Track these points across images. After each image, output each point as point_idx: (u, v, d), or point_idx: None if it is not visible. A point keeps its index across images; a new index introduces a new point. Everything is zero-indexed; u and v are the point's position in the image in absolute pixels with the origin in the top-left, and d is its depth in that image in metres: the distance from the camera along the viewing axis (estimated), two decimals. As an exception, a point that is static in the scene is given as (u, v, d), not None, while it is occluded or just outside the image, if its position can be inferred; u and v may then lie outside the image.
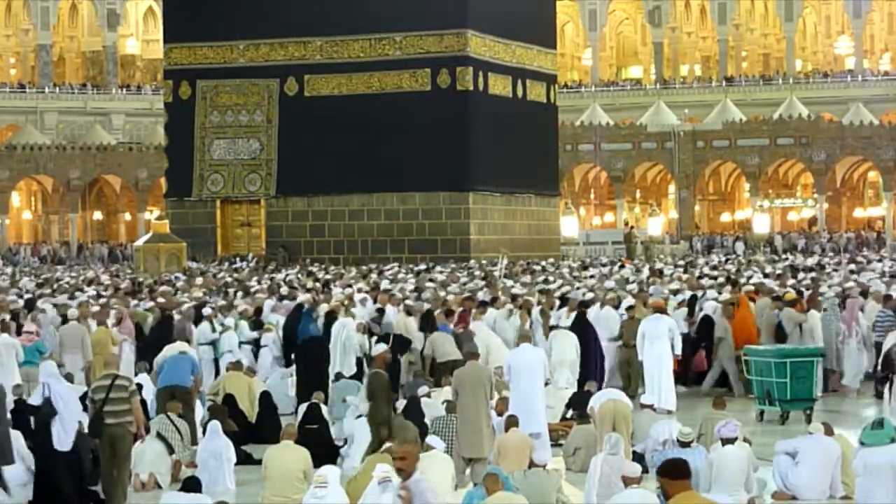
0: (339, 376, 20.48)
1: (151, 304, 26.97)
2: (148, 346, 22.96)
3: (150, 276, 41.89)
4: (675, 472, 9.00)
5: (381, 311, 24.52)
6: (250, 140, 54.79)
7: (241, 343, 23.85)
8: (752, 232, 73.82)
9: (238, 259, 52.67)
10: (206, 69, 55.32)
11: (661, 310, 21.15)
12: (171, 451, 16.57)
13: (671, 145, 78.32)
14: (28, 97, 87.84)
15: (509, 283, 32.97)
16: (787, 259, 49.55)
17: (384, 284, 32.04)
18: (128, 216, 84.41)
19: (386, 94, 53.47)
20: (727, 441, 14.51)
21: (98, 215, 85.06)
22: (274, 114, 54.55)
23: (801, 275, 33.99)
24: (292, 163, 53.66)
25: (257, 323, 24.80)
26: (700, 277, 32.23)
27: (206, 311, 24.23)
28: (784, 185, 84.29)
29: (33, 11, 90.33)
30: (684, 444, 14.83)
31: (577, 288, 29.44)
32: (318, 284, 33.96)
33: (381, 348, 17.86)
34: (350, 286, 31.71)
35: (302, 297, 27.31)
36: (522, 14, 56.50)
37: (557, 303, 25.35)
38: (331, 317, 22.96)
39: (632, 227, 69.31)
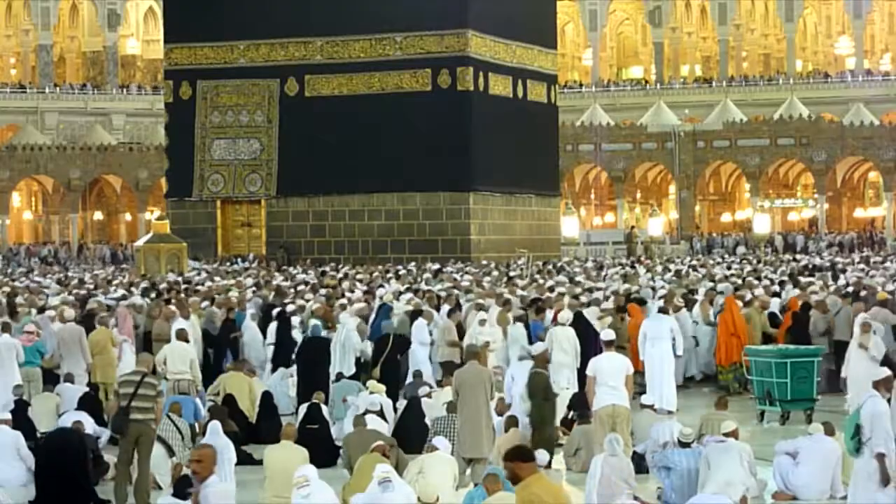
0: (339, 376, 20.49)
1: (206, 303, 26.57)
2: (220, 346, 23.07)
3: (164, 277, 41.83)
4: (523, 456, 9.07)
5: (457, 310, 24.40)
6: (251, 140, 54.79)
7: None
8: (753, 232, 73.85)
9: (239, 259, 52.68)
10: (207, 69, 55.32)
11: (664, 310, 21.16)
12: (171, 453, 16.55)
13: (671, 145, 78.31)
14: (28, 97, 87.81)
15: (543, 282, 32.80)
16: (798, 260, 49.38)
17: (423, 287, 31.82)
18: (128, 216, 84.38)
19: (386, 95, 53.47)
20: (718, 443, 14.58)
21: (98, 215, 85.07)
22: (274, 114, 54.54)
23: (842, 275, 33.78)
24: (293, 163, 53.65)
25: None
26: (728, 277, 32.25)
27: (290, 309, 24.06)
28: (784, 185, 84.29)
29: (34, 12, 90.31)
30: (684, 445, 14.81)
31: (641, 288, 29.35)
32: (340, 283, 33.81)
33: (540, 347, 17.50)
34: (383, 286, 31.63)
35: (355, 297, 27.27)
36: (523, 14, 56.50)
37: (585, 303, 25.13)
38: (415, 315, 23.10)
39: (633, 227, 69.34)
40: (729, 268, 39.31)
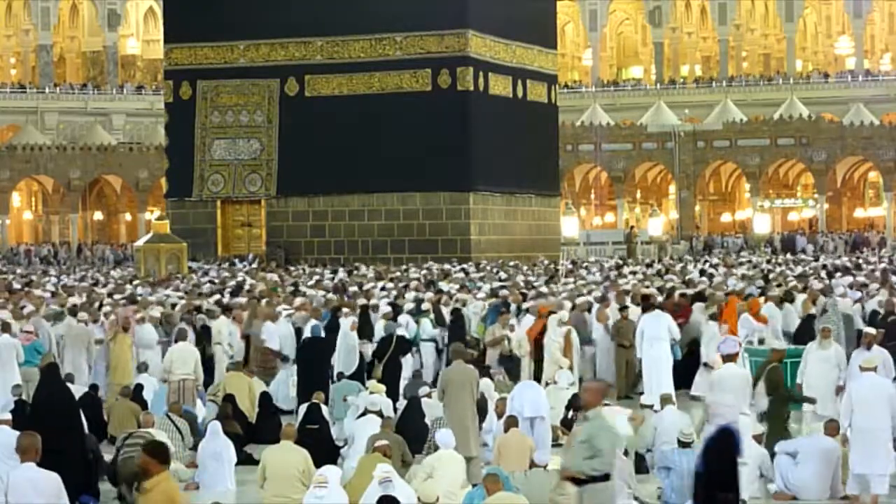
0: (339, 376, 20.49)
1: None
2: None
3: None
4: (162, 455, 9.16)
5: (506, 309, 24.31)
6: (251, 140, 54.76)
7: (422, 340, 23.67)
8: (753, 232, 73.81)
9: (238, 259, 52.66)
10: (207, 69, 55.29)
11: (663, 308, 21.15)
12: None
13: (672, 145, 78.30)
14: (28, 97, 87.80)
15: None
16: (817, 259, 49.18)
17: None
18: (128, 216, 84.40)
19: (386, 95, 53.44)
20: (727, 358, 14.75)
21: (99, 216, 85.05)
22: (274, 114, 54.52)
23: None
24: (293, 163, 53.62)
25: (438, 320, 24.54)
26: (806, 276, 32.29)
27: (385, 309, 23.93)
28: (784, 185, 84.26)
29: (34, 12, 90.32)
30: (684, 445, 14.79)
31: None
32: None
33: (781, 343, 17.40)
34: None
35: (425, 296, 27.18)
36: (523, 14, 56.44)
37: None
38: (543, 314, 23.05)
39: (633, 228, 69.32)
40: (754, 267, 39.17)
